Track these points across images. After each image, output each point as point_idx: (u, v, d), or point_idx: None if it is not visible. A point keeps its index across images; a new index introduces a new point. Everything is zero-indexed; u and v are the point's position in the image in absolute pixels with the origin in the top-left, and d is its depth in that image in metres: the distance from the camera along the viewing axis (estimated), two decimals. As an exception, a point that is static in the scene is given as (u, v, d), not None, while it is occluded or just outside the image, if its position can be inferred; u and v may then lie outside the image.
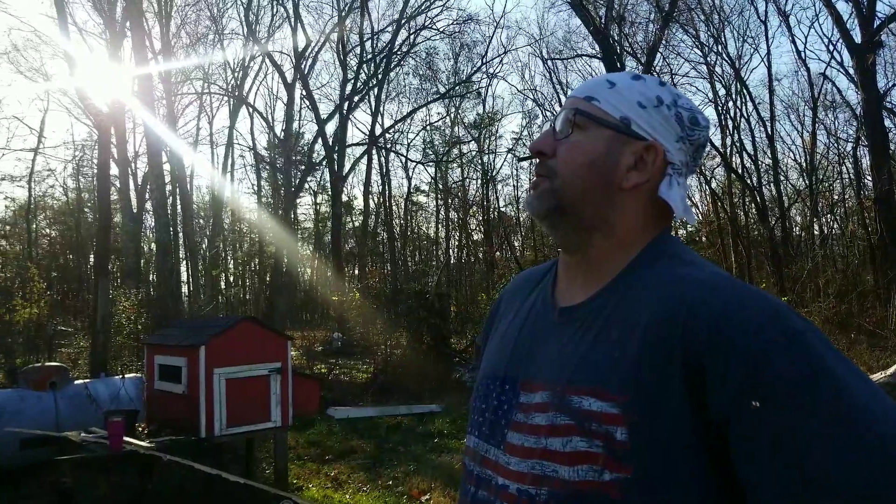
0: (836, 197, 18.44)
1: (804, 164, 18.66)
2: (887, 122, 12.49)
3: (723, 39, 16.64)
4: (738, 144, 17.16)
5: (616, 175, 0.70)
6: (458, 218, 23.29)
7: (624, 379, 0.60)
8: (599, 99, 0.72)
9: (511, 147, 19.86)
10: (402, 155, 23.10)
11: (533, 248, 21.05)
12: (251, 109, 22.14)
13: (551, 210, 0.72)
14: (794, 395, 0.54)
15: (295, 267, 19.75)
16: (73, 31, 14.11)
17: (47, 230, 23.62)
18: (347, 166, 19.57)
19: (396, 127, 22.24)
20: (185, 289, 18.65)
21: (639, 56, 14.90)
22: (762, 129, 17.30)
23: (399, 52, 18.85)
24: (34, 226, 20.85)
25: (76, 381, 5.43)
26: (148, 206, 16.42)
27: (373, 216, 24.89)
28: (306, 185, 21.45)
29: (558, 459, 0.61)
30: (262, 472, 5.15)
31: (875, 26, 11.69)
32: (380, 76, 19.07)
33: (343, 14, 17.94)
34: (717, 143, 16.51)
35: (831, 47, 17.91)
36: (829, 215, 18.18)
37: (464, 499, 0.72)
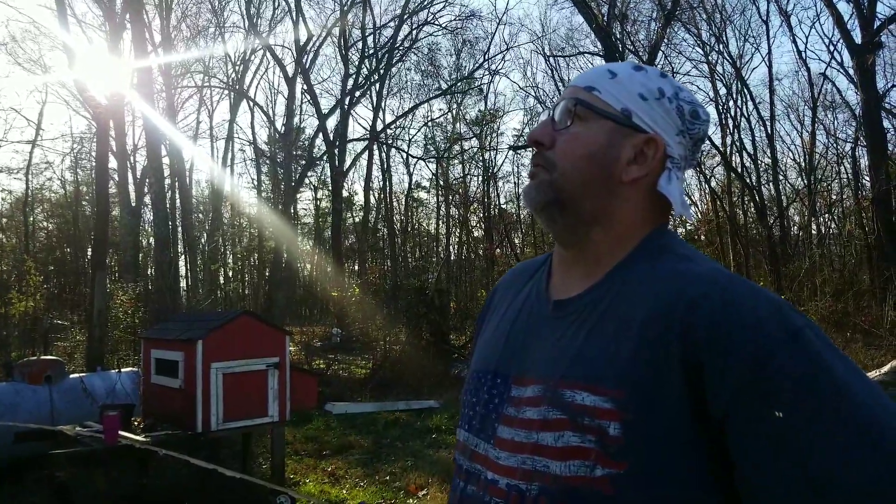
0: (834, 197, 18.46)
1: (803, 164, 18.69)
2: (886, 123, 12.51)
3: (724, 38, 16.64)
4: (737, 144, 17.17)
5: (616, 168, 0.69)
6: (459, 214, 23.26)
7: (619, 374, 0.60)
8: (600, 89, 0.71)
9: (512, 144, 19.81)
10: (403, 151, 23.10)
11: (533, 246, 21.04)
12: (252, 103, 22.12)
13: (549, 203, 0.70)
14: (794, 391, 0.54)
15: (294, 262, 19.72)
16: (72, 22, 14.07)
17: (44, 223, 23.54)
18: (348, 162, 19.62)
19: (398, 123, 22.24)
20: (183, 283, 18.66)
21: (641, 54, 14.88)
22: (762, 128, 17.33)
23: (401, 48, 18.81)
24: (31, 219, 20.75)
25: (72, 375, 5.41)
26: (147, 199, 16.37)
27: (373, 212, 24.89)
28: (307, 180, 21.43)
29: (550, 454, 0.61)
30: (259, 467, 5.14)
31: (875, 27, 11.68)
32: (381, 71, 19.03)
33: (345, 8, 17.89)
34: (718, 141, 16.52)
35: (832, 47, 17.89)
36: (826, 215, 18.20)
37: (453, 494, 0.71)
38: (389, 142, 22.30)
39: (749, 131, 17.47)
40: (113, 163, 13.61)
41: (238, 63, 20.82)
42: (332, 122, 18.38)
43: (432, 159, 23.01)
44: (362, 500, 4.30)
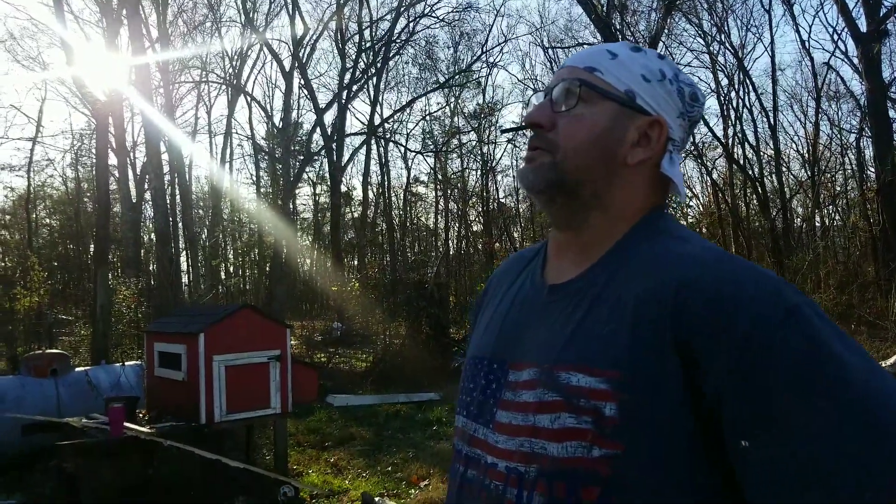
0: (838, 188, 18.35)
1: (806, 155, 18.57)
2: (891, 113, 12.36)
3: (726, 28, 16.48)
4: (740, 135, 17.07)
5: (620, 150, 0.68)
6: (458, 208, 23.23)
7: (614, 355, 0.59)
8: (602, 70, 0.69)
9: (511, 138, 19.71)
10: (401, 145, 23.02)
11: (532, 239, 21.05)
12: (249, 99, 22.05)
13: (550, 185, 0.69)
14: (788, 370, 0.52)
15: (294, 257, 19.73)
16: (69, 19, 14.04)
17: (47, 220, 23.60)
18: (346, 156, 19.51)
19: (395, 117, 22.11)
20: (184, 278, 18.68)
21: (641, 45, 14.78)
22: (765, 119, 17.19)
23: (398, 41, 18.69)
24: (34, 215, 20.80)
25: (77, 369, 5.47)
26: (147, 195, 16.37)
27: (372, 207, 24.85)
28: (305, 176, 21.38)
29: (547, 436, 0.60)
30: (262, 458, 5.19)
31: (881, 15, 11.54)
32: (379, 65, 18.93)
33: (341, 2, 17.78)
34: (720, 133, 16.45)
35: (836, 37, 17.64)
36: (830, 206, 18.12)
37: (453, 479, 0.72)
38: (387, 136, 22.24)
39: (751, 122, 17.36)
40: (113, 159, 13.61)
41: (235, 58, 20.77)
42: (329, 117, 18.37)
43: (430, 153, 22.95)
44: (365, 490, 4.35)
